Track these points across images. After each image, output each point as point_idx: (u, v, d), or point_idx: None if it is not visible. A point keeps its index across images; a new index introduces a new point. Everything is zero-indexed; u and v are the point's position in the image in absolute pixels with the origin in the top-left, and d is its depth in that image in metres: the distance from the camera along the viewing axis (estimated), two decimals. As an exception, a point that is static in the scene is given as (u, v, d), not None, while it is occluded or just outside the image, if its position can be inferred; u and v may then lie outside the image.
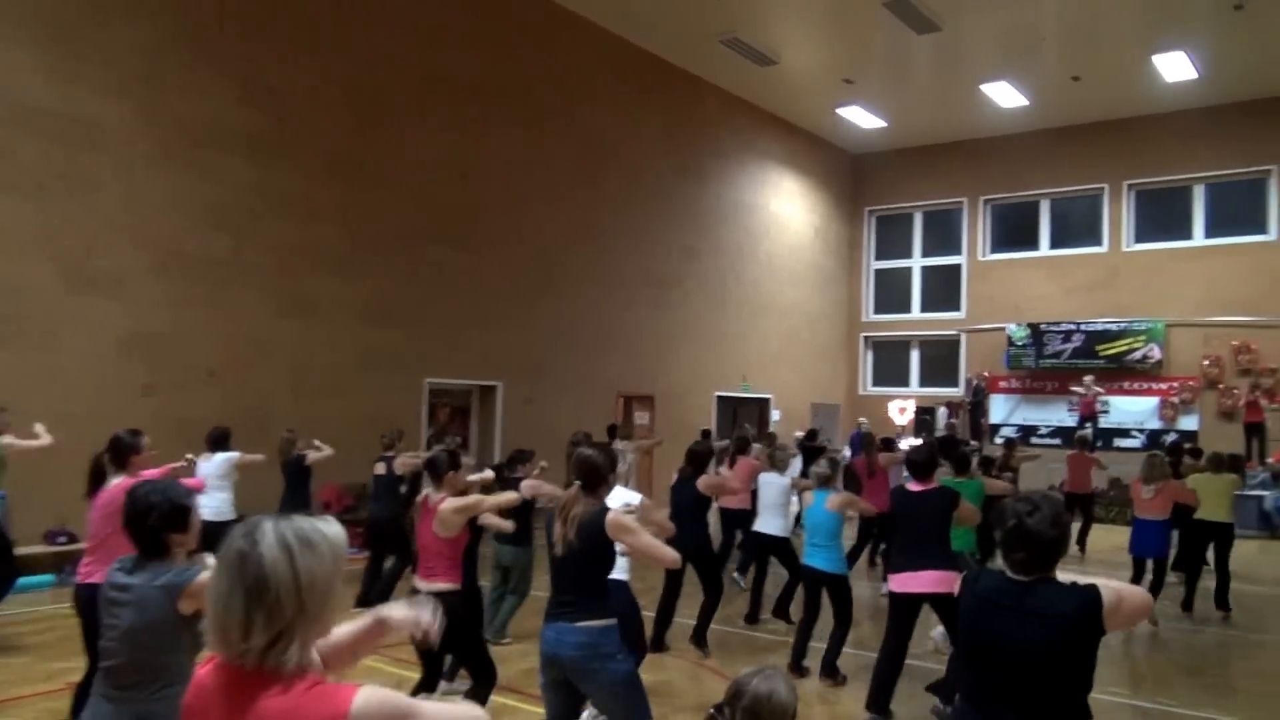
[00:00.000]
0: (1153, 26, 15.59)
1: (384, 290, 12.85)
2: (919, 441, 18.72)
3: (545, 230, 15.15)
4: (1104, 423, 19.25)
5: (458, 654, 5.21)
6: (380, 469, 8.77)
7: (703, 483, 7.37)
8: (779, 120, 20.64)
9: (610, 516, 3.92)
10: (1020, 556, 2.86)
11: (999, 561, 3.03)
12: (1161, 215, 20.09)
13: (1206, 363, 18.96)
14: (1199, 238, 19.53)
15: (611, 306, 16.35)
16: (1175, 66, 17.02)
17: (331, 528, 1.72)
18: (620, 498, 5.19)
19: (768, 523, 8.20)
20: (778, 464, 8.49)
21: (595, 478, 4.06)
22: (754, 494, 9.15)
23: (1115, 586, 2.83)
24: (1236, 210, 19.27)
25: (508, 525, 6.26)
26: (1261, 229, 18.87)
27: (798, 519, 8.52)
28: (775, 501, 8.18)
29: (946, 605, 5.69)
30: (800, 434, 18.90)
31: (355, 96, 12.56)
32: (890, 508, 6.19)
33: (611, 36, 16.39)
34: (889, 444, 11.93)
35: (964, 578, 3.07)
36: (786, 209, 21.14)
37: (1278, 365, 18.25)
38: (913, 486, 6.02)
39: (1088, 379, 18.70)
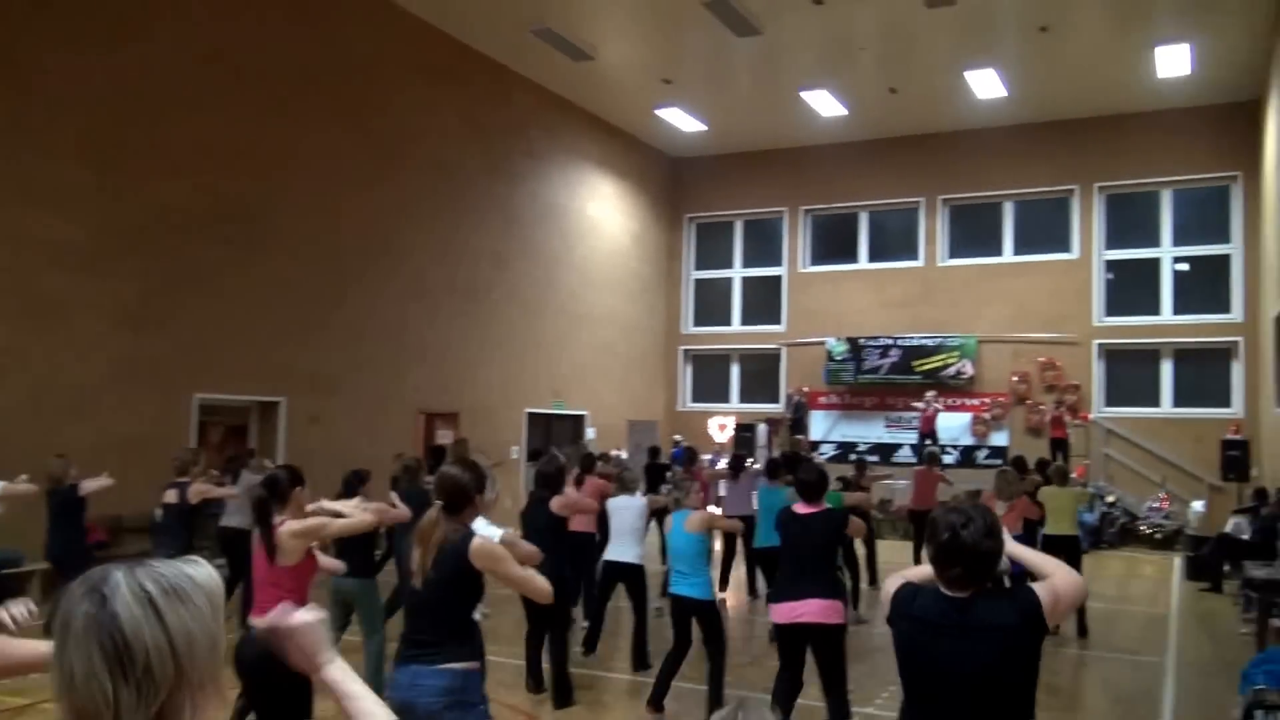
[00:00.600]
0: (965, 43, 16.74)
1: (145, 292, 12.04)
2: (766, 456, 19.06)
3: (338, 229, 14.66)
4: (916, 439, 20.46)
5: (275, 697, 4.51)
6: (171, 497, 8.20)
7: (557, 503, 7.24)
8: (596, 119, 20.81)
9: (476, 543, 3.79)
10: (957, 572, 2.88)
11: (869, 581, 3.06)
12: (974, 231, 21.57)
13: (1015, 379, 20.49)
14: (1008, 254, 21.11)
15: (413, 314, 16.00)
16: (986, 83, 18.34)
17: (201, 570, 1.46)
18: (481, 528, 5.11)
19: (622, 549, 8.10)
20: (628, 485, 8.45)
21: (460, 498, 3.89)
22: (600, 518, 9.08)
23: (1048, 584, 2.95)
24: (1042, 228, 20.95)
25: (338, 565, 5.96)
26: (1065, 247, 20.62)
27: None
28: (630, 526, 8.11)
29: (827, 637, 5.70)
30: (617, 453, 19.14)
31: (116, 71, 11.73)
32: (778, 530, 6.21)
33: (415, 20, 16.07)
34: (739, 463, 11.96)
35: (896, 598, 3.05)
36: (604, 213, 21.33)
37: (1080, 382, 19.96)
38: (800, 509, 5.99)
39: (929, 394, 19.75)
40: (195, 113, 12.62)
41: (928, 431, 19.26)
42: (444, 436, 16.86)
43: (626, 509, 8.23)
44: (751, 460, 18.76)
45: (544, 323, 19.30)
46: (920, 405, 19.70)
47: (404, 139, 15.90)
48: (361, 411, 14.82)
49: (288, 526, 4.86)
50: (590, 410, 20.63)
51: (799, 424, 20.83)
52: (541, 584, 3.90)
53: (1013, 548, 3.13)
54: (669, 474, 13.22)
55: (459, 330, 17.04)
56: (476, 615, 5.19)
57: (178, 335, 12.38)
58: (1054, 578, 3.01)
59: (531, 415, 18.92)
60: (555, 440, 18.98)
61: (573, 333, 20.19)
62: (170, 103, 12.33)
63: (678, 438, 20.21)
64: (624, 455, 18.33)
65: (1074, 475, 18.02)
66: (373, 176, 15.28)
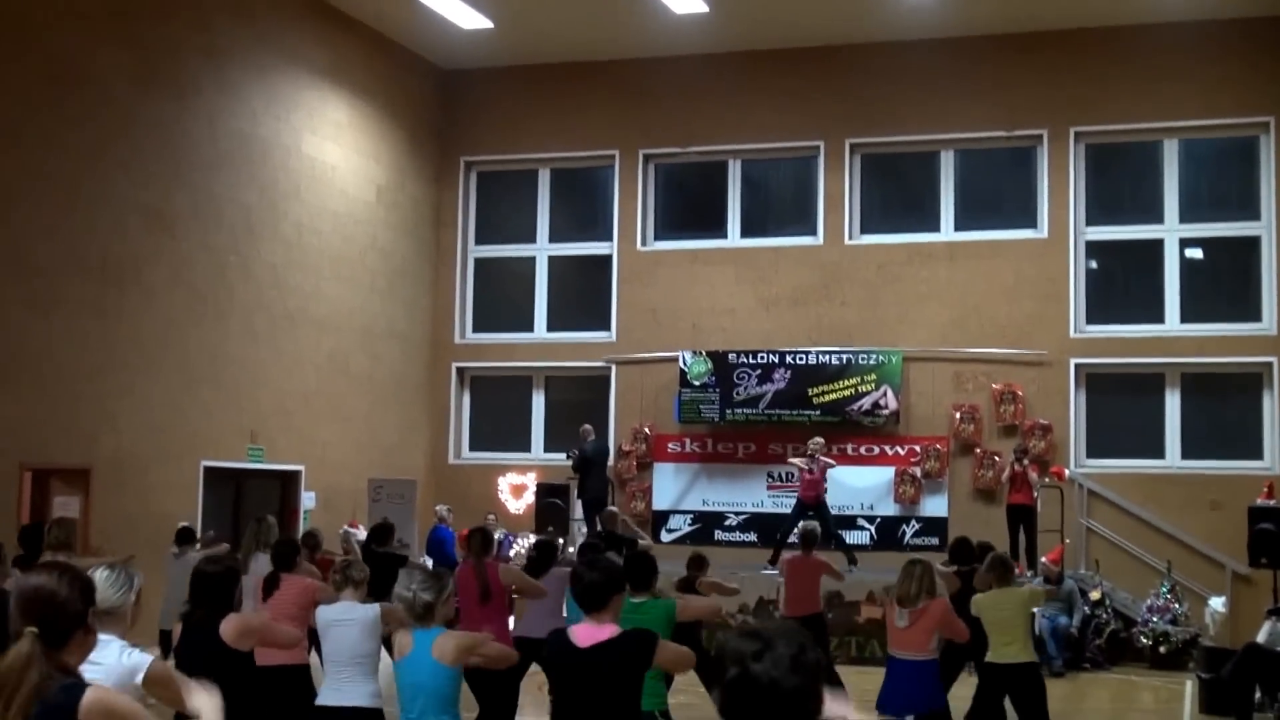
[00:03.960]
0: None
1: None
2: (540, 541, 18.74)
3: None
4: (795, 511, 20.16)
5: None
6: None
7: (231, 628, 6.99)
8: (321, 4, 20.47)
9: (90, 699, 3.79)
10: None
11: None
12: (899, 194, 22.01)
13: (959, 416, 20.80)
14: (948, 230, 21.55)
15: (12, 310, 15.49)
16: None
17: None
18: (112, 659, 4.91)
19: (343, 690, 8.10)
20: (352, 583, 8.39)
21: (61, 622, 3.91)
22: (311, 636, 9.02)
23: None
24: (997, 192, 21.48)
25: None
26: (1029, 221, 21.12)
27: None
28: (352, 651, 8.08)
29: None
30: (351, 529, 18.46)
31: None
32: (547, 667, 6.31)
33: None
34: (547, 552, 12.12)
35: None
36: (332, 154, 20.94)
37: (1052, 420, 20.42)
38: (581, 632, 6.08)
39: (816, 442, 19.42)
40: None
41: (813, 500, 19.10)
42: (65, 506, 16.14)
43: (345, 623, 8.14)
44: (564, 544, 18.47)
45: (232, 325, 18.84)
46: (799, 462, 19.47)
47: (-3, 21, 15.26)
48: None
49: None
50: (308, 464, 20.23)
51: (590, 484, 20.23)
52: None
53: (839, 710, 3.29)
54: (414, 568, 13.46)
55: (90, 336, 16.51)
56: None
57: None
58: None
59: (212, 472, 18.42)
60: (250, 511, 18.22)
61: (280, 341, 19.78)
62: None
63: (443, 509, 19.81)
64: (361, 535, 18.06)
65: (1044, 560, 18.42)
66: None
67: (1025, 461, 19.17)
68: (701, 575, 13.23)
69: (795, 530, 16.03)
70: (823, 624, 14.42)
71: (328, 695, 8.13)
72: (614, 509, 18.69)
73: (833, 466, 19.51)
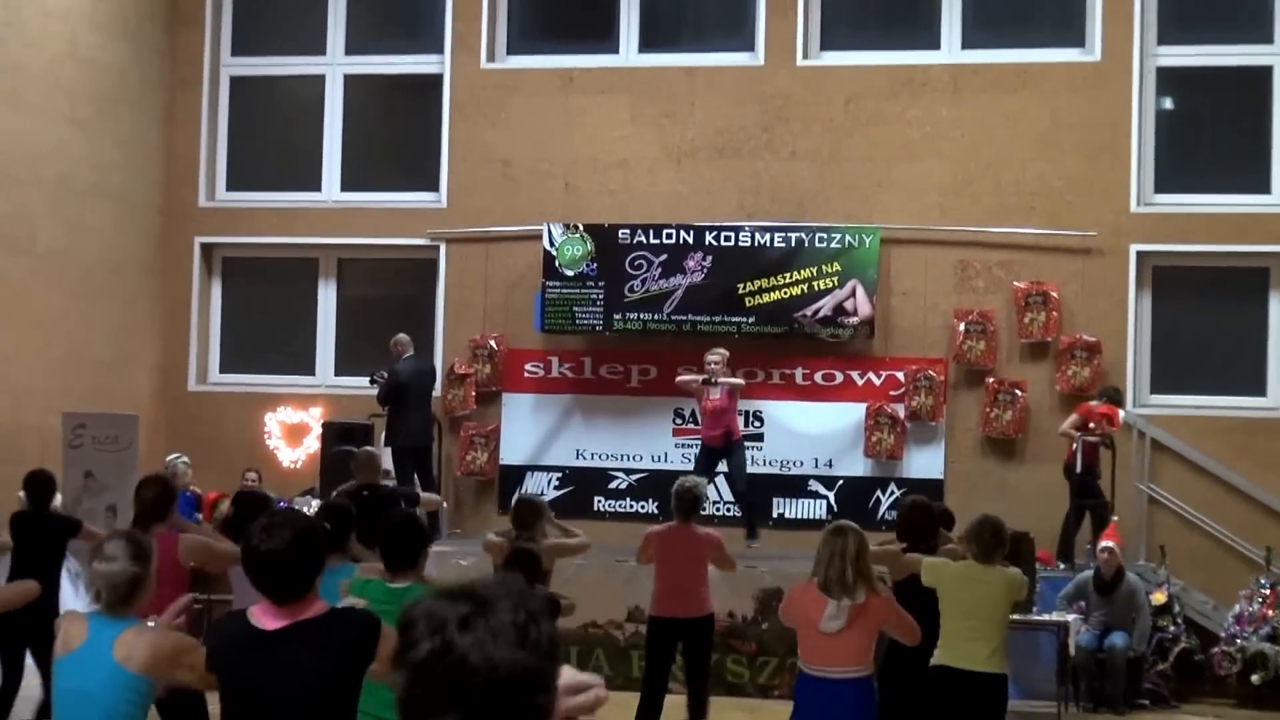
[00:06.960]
0: None
1: None
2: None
3: None
4: (759, 456, 20.10)
5: None
6: None
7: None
8: None
9: None
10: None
11: None
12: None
13: (962, 326, 20.33)
14: (951, 48, 21.14)
15: None
16: None
17: None
18: None
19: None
20: None
21: None
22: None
23: None
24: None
25: None
26: (1074, 37, 20.80)
27: None
28: None
29: None
30: None
31: None
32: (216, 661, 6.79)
33: None
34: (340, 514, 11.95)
35: None
36: None
37: (1100, 336, 20.00)
38: (264, 616, 6.54)
39: (716, 355, 19.09)
40: None
41: (720, 441, 19.07)
42: None
43: None
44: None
45: None
46: (687, 379, 19.25)
47: None
48: None
49: None
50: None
51: (406, 423, 20.61)
52: None
53: None
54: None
55: None
56: None
57: None
58: None
59: None
60: None
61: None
62: None
63: (178, 461, 19.64)
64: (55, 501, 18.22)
65: (1107, 545, 17.99)
66: None
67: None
68: (537, 533, 13.24)
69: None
70: (709, 632, 14.59)
71: None
72: (372, 450, 18.44)
73: (739, 386, 19.18)
